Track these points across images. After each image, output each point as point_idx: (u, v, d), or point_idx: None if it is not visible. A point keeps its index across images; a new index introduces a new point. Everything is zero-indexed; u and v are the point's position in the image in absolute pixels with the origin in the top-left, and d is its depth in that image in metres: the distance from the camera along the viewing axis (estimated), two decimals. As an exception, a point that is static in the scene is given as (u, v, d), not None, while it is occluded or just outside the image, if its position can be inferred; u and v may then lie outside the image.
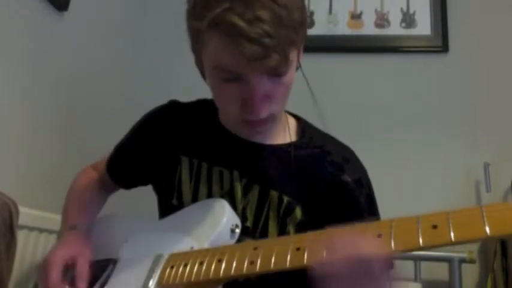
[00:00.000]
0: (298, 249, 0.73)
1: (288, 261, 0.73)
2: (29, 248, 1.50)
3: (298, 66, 1.01)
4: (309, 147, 1.08)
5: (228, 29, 0.84)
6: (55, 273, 0.97)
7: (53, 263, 0.99)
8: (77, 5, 1.85)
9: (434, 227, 0.64)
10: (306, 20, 0.94)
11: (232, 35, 0.84)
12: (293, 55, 0.91)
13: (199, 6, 0.89)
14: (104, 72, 2.09)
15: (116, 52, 2.19)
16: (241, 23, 0.83)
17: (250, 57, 0.85)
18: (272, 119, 0.99)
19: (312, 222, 1.01)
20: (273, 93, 0.93)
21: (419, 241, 0.64)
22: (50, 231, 1.57)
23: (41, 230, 1.55)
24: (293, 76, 0.96)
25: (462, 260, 1.91)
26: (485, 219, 0.61)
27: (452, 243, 0.62)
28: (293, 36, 0.88)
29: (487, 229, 0.60)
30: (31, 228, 1.50)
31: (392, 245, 0.65)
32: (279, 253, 0.75)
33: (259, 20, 0.83)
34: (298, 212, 1.02)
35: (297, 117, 1.17)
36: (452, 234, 0.62)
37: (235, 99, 0.94)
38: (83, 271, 1.00)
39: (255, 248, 0.78)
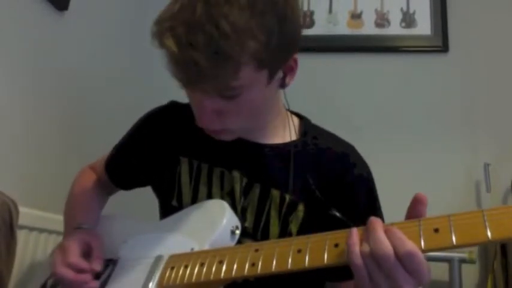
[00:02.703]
0: (299, 251, 0.73)
1: (290, 263, 0.73)
2: (29, 248, 1.50)
3: (283, 84, 0.98)
4: (311, 146, 1.08)
5: (164, 50, 0.84)
6: (74, 253, 0.98)
7: (70, 245, 1.00)
8: (77, 4, 1.85)
9: (436, 230, 0.64)
10: (273, 41, 0.86)
11: (167, 56, 0.85)
12: (246, 78, 0.86)
13: (161, 12, 0.87)
14: (103, 72, 2.08)
15: (116, 52, 2.18)
16: (173, 48, 0.82)
17: (182, 82, 0.88)
18: (233, 132, 0.99)
19: (315, 221, 1.01)
20: (223, 111, 0.92)
21: (421, 244, 0.65)
22: (50, 231, 1.57)
23: (41, 230, 1.55)
24: (257, 96, 0.92)
25: (462, 260, 1.91)
26: (486, 223, 0.61)
27: (453, 247, 0.63)
28: (230, 65, 0.83)
29: (489, 233, 0.60)
30: (31, 228, 1.51)
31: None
32: (280, 255, 0.75)
33: (191, 46, 0.80)
34: (300, 211, 1.02)
35: (300, 116, 1.16)
36: (453, 238, 0.63)
37: (192, 104, 0.96)
38: (99, 253, 1.01)
39: (256, 250, 0.78)
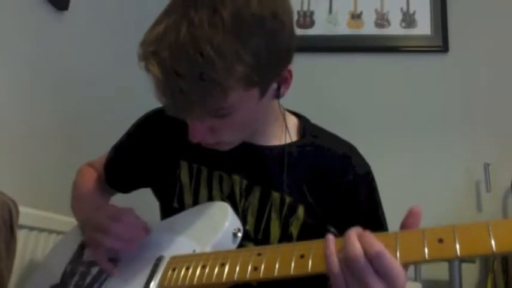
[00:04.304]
0: (302, 256, 0.73)
1: (292, 269, 0.73)
2: (29, 248, 1.50)
3: (278, 95, 0.96)
4: (311, 146, 1.07)
5: (150, 74, 0.83)
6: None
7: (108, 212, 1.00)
8: (77, 4, 1.85)
9: (440, 240, 0.64)
10: (262, 61, 0.84)
11: (153, 82, 0.83)
12: (236, 99, 0.85)
13: (147, 32, 0.85)
14: (104, 72, 2.08)
15: (116, 51, 2.18)
16: (158, 75, 0.80)
17: (169, 109, 0.87)
18: (229, 143, 0.98)
19: (315, 222, 1.01)
20: (216, 128, 0.91)
21: (424, 254, 0.64)
22: (50, 231, 1.56)
23: (41, 230, 1.54)
24: (249, 112, 0.91)
25: (462, 260, 1.92)
26: (491, 235, 0.61)
27: (457, 258, 0.62)
28: (218, 91, 0.81)
29: (493, 245, 0.60)
30: (31, 228, 1.50)
31: (398, 256, 0.65)
32: (283, 260, 0.74)
33: (177, 74, 0.79)
34: (300, 212, 1.01)
35: (298, 116, 1.16)
36: (458, 249, 0.62)
37: None
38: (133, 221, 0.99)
39: (259, 254, 0.78)
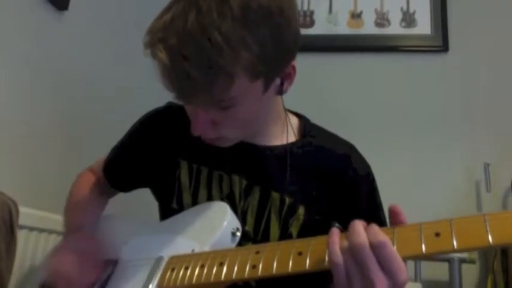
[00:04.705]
0: (300, 253, 0.73)
1: (290, 266, 0.73)
2: (29, 248, 1.50)
3: (281, 91, 0.97)
4: (311, 146, 1.07)
5: (156, 61, 0.83)
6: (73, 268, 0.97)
7: (66, 264, 0.99)
8: (77, 4, 1.85)
9: (437, 234, 0.64)
10: (268, 52, 0.85)
11: (160, 68, 0.84)
12: (240, 89, 0.85)
13: (154, 20, 0.86)
14: (103, 72, 2.08)
15: (116, 51, 2.18)
16: (165, 60, 0.81)
17: (175, 95, 0.87)
18: (230, 139, 0.98)
19: (315, 222, 1.01)
20: (218, 121, 0.91)
21: (421, 248, 0.64)
22: (50, 231, 1.56)
23: (41, 230, 1.54)
24: (252, 106, 0.91)
25: (462, 260, 1.92)
26: (488, 227, 0.61)
27: (454, 251, 0.63)
28: (223, 77, 0.82)
29: (490, 238, 0.60)
30: (31, 228, 1.50)
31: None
32: (281, 257, 0.74)
33: (184, 59, 0.79)
34: (301, 213, 1.01)
35: (299, 116, 1.15)
36: (455, 242, 0.62)
37: (186, 111, 0.95)
38: (94, 263, 1.00)
39: (257, 252, 0.78)
